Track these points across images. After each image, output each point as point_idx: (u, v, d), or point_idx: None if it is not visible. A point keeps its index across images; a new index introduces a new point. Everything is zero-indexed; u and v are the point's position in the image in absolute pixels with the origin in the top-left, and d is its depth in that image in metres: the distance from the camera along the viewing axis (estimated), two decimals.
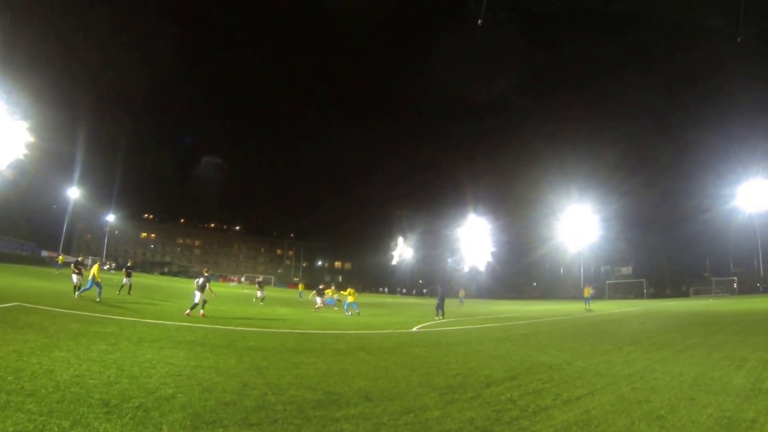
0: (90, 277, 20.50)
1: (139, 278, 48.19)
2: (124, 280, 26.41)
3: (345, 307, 25.73)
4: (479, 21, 8.52)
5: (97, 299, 19.88)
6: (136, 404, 5.75)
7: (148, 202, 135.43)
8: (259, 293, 33.69)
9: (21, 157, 60.15)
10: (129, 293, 25.48)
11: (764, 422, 5.94)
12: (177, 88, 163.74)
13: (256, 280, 33.76)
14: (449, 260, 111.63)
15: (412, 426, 5.61)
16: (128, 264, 28.38)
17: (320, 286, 28.97)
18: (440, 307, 25.67)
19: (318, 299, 28.64)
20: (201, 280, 19.11)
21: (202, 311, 18.46)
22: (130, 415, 5.35)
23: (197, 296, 18.56)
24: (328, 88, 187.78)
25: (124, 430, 4.84)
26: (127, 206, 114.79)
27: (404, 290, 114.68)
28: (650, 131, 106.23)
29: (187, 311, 18.22)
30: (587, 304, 39.14)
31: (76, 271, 21.84)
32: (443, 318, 25.00)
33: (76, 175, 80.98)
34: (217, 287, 59.97)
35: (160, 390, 6.51)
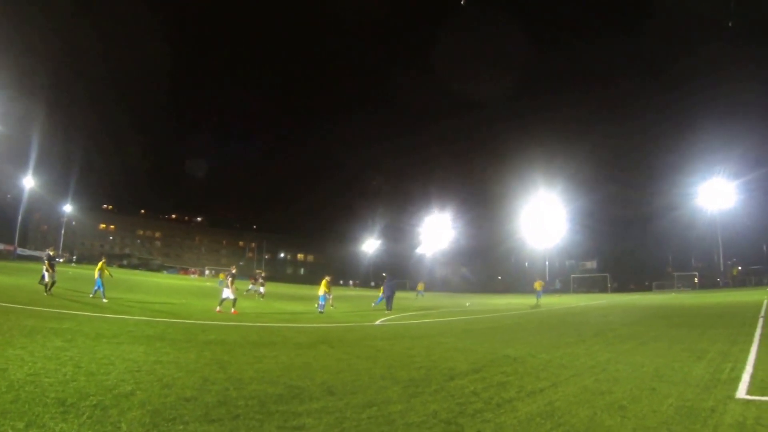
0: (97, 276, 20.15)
1: (91, 271, 47.31)
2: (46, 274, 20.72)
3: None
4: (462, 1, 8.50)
5: (103, 299, 19.50)
6: (94, 402, 5.60)
7: (107, 192, 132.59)
8: (261, 289, 34.15)
9: None
10: (49, 291, 19.91)
11: (723, 411, 6.09)
12: (138, 76, 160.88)
13: (260, 275, 32.89)
14: (416, 252, 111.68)
15: (376, 419, 5.61)
16: (49, 253, 21.68)
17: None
18: (390, 299, 25.63)
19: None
20: (226, 276, 20.37)
21: (233, 309, 19.07)
22: (87, 413, 5.20)
23: (225, 292, 19.37)
24: (294, 83, 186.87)
25: (81, 430, 4.70)
26: (86, 196, 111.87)
27: (358, 282, 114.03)
28: (617, 131, 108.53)
29: (218, 308, 19.28)
30: (538, 299, 39.24)
31: (49, 267, 20.15)
32: (389, 311, 24.94)
33: (32, 163, 78.69)
34: (177, 280, 59.55)
35: (119, 387, 6.36)
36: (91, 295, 19.91)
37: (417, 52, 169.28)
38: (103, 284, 20.07)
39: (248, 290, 36.07)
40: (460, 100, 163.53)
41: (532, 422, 5.68)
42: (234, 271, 20.63)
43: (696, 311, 24.82)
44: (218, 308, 19.47)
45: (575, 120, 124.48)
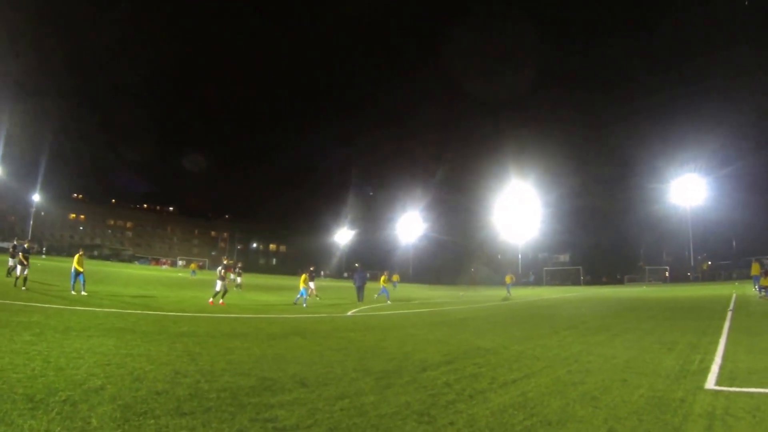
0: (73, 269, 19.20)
1: (65, 263, 46.61)
2: (18, 268, 20.19)
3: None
4: None
5: (83, 292, 18.75)
6: (63, 398, 5.52)
7: (77, 181, 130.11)
8: (238, 279, 33.79)
9: None
10: (24, 285, 19.17)
11: (692, 401, 6.25)
12: (107, 63, 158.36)
13: (238, 266, 32.59)
14: (389, 244, 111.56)
15: (348, 411, 5.63)
16: (24, 245, 21.04)
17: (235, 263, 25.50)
18: (361, 290, 25.65)
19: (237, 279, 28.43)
20: (220, 268, 20.18)
21: (222, 300, 19.16)
22: (56, 409, 5.12)
23: (218, 284, 19.42)
24: (269, 75, 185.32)
25: (50, 426, 4.62)
26: (55, 185, 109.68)
27: (328, 273, 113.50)
28: (591, 127, 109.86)
29: (210, 300, 19.30)
30: (508, 291, 39.38)
31: (23, 260, 19.32)
32: (363, 303, 24.91)
33: None
34: (148, 271, 58.93)
35: (89, 381, 6.28)
36: (72, 291, 18.75)
37: (387, 48, 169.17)
38: (84, 277, 19.18)
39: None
40: (435, 97, 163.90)
41: (504, 413, 5.75)
42: (226, 263, 20.58)
43: (666, 304, 25.38)
44: (211, 300, 19.50)
45: (550, 115, 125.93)
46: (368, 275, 27.49)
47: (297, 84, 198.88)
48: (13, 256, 24.99)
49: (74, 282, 19.06)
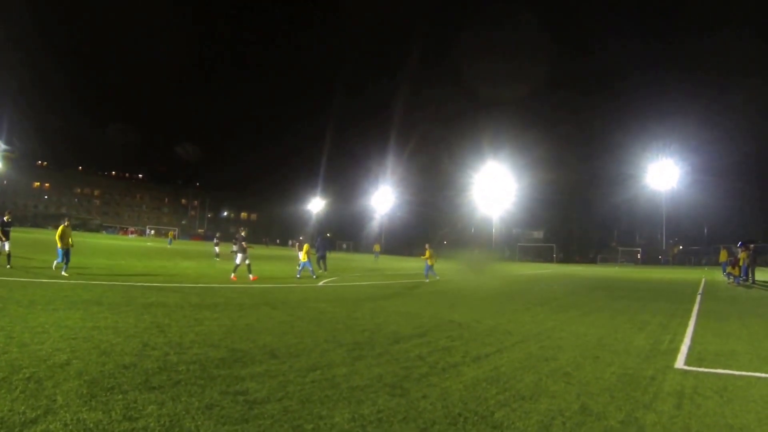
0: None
1: (30, 234, 45.75)
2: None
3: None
4: None
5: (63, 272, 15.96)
6: (27, 375, 5.36)
7: (41, 147, 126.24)
8: (216, 249, 34.67)
9: None
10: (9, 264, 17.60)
11: (662, 380, 6.42)
12: (71, 20, 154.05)
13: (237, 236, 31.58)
14: (364, 214, 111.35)
15: (320, 383, 5.61)
16: (4, 219, 18.82)
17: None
18: (323, 259, 25.35)
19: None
20: (238, 239, 19.77)
21: (233, 275, 18.84)
22: (20, 387, 4.95)
23: (238, 257, 19.05)
24: (244, 37, 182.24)
25: (14, 405, 4.46)
26: (17, 152, 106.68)
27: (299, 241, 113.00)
28: (569, 108, 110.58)
29: (232, 275, 18.74)
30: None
31: (2, 235, 17.51)
32: (326, 271, 24.67)
33: None
34: (116, 240, 58.18)
35: (54, 357, 6.13)
36: (63, 272, 15.90)
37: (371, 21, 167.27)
38: (67, 253, 16.33)
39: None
40: (414, 72, 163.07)
41: (477, 387, 5.79)
42: (243, 234, 20.12)
43: (638, 285, 26.11)
44: (233, 275, 18.89)
45: (528, 97, 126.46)
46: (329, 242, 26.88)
47: (273, 50, 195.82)
48: None
49: (61, 259, 16.29)
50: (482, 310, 13.06)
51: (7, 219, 17.99)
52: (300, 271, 21.60)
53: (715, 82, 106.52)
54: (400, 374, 6.19)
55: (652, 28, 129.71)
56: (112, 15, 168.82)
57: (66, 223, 16.92)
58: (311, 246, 23.06)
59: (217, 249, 34.27)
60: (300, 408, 4.75)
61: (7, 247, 17.47)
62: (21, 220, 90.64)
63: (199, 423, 4.24)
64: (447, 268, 30.84)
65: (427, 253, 23.82)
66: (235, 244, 19.60)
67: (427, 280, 22.49)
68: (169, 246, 54.17)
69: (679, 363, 7.45)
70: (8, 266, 16.37)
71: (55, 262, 16.78)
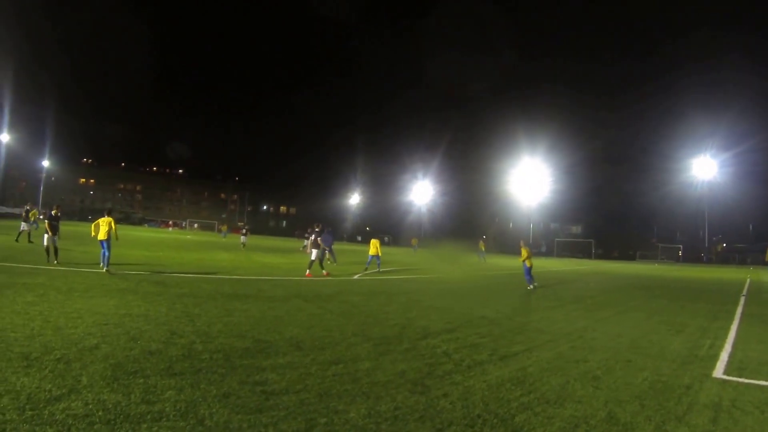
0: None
1: (76, 227, 46.92)
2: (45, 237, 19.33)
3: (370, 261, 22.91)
4: None
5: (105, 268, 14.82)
6: (58, 356, 5.58)
7: (86, 146, 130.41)
8: (242, 238, 36.79)
9: None
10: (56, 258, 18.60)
11: (698, 389, 6.05)
12: (116, 25, 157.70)
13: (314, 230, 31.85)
14: (403, 208, 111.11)
15: (341, 377, 5.61)
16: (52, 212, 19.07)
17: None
18: (329, 251, 25.42)
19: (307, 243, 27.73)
20: (313, 236, 19.60)
21: (324, 271, 18.91)
22: (50, 367, 5.18)
23: (313, 253, 18.85)
24: (282, 36, 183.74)
25: (42, 384, 4.68)
26: (64, 151, 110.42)
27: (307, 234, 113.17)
28: (609, 103, 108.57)
29: (307, 272, 18.26)
30: (482, 258, 39.89)
31: (49, 229, 16.56)
32: (335, 263, 24.95)
33: (6, 119, 76.91)
34: (157, 233, 59.23)
35: (85, 340, 6.34)
36: (104, 268, 14.74)
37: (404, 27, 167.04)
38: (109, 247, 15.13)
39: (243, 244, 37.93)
40: (449, 70, 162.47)
41: (501, 387, 5.67)
42: (317, 229, 19.99)
43: (677, 284, 25.20)
44: (308, 272, 18.50)
45: (566, 92, 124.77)
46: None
47: (309, 49, 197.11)
48: (25, 221, 25.27)
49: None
50: (514, 306, 12.95)
51: (55, 213, 17.54)
52: (369, 262, 22.54)
53: (761, 70, 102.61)
54: (424, 371, 6.13)
55: (698, 19, 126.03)
56: (150, 15, 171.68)
57: (107, 216, 15.71)
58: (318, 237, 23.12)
59: (243, 238, 35.92)
60: (317, 401, 4.76)
61: (54, 241, 16.53)
62: (69, 215, 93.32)
63: (214, 410, 4.30)
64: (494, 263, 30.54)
65: (524, 252, 18.54)
66: (307, 239, 19.71)
67: (530, 287, 17.79)
68: (223, 238, 55.38)
69: (718, 372, 7.00)
70: (55, 262, 15.81)
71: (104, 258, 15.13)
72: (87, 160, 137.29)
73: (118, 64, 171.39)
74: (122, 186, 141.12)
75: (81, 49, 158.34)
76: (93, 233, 15.44)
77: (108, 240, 15.01)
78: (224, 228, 69.85)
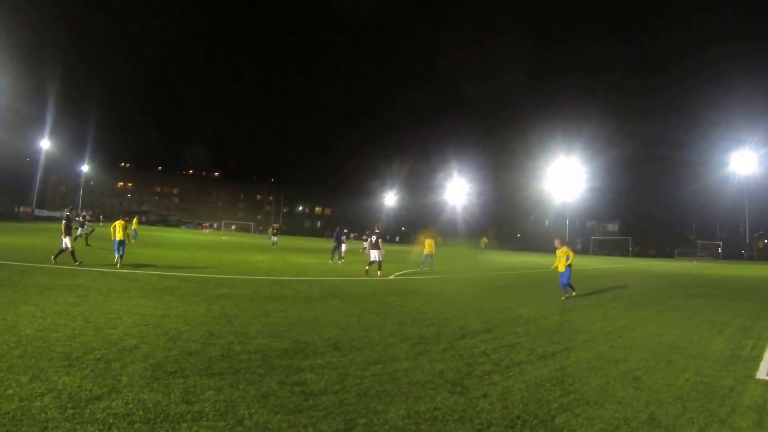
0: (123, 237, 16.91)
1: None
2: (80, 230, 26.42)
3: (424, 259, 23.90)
4: None
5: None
6: (98, 356, 5.65)
7: (123, 150, 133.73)
8: (274, 238, 38.53)
9: None
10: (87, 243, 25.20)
11: (742, 390, 5.87)
12: (152, 31, 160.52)
13: (275, 227, 31.96)
14: (437, 208, 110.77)
15: (379, 377, 5.55)
16: (83, 214, 24.77)
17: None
18: (337, 249, 25.93)
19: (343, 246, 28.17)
20: (373, 237, 20.03)
21: (379, 272, 18.94)
22: (90, 367, 5.25)
23: (373, 254, 19.44)
24: (314, 35, 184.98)
25: (83, 383, 4.73)
26: (102, 155, 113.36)
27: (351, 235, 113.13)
28: (645, 97, 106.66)
29: (366, 268, 19.23)
30: (481, 253, 40.14)
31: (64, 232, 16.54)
32: (341, 260, 25.38)
33: (48, 125, 79.07)
34: (193, 235, 60.03)
35: (124, 341, 6.41)
36: (118, 264, 16.26)
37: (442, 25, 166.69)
38: (121, 247, 16.72)
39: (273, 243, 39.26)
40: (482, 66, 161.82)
41: (541, 388, 5.56)
42: (378, 231, 20.38)
43: (718, 282, 24.44)
44: (367, 268, 19.42)
45: (601, 87, 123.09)
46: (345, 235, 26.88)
47: (341, 52, 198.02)
48: (81, 225, 26.98)
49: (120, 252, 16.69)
50: (551, 305, 12.72)
51: (74, 214, 17.50)
52: (423, 262, 23.10)
53: None
54: (463, 371, 6.04)
55: (739, 7, 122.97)
56: (186, 24, 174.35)
57: (122, 219, 17.38)
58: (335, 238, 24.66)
59: (274, 239, 36.22)
60: (356, 401, 4.71)
61: (67, 243, 16.38)
62: (110, 217, 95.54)
63: (253, 410, 4.28)
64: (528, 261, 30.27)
65: (564, 254, 14.65)
66: (365, 240, 19.93)
67: (565, 297, 14.45)
68: (271, 241, 53.48)
69: (762, 373, 6.77)
70: (76, 263, 15.75)
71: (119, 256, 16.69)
72: (125, 165, 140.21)
73: (155, 70, 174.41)
74: (159, 189, 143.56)
75: (119, 57, 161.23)
76: (113, 236, 16.95)
77: (124, 241, 16.82)
78: (270, 231, 68.92)
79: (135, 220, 32.38)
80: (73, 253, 16.31)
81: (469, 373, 5.96)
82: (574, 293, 14.79)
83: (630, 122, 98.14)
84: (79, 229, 26.30)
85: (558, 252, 14.85)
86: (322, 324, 8.60)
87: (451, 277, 20.79)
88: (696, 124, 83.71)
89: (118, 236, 16.77)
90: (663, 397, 5.45)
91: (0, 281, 11.12)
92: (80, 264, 15.65)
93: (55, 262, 15.69)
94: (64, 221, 16.97)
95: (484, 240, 41.96)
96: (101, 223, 63.01)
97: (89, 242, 25.76)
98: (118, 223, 16.96)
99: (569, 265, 14.53)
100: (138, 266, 16.35)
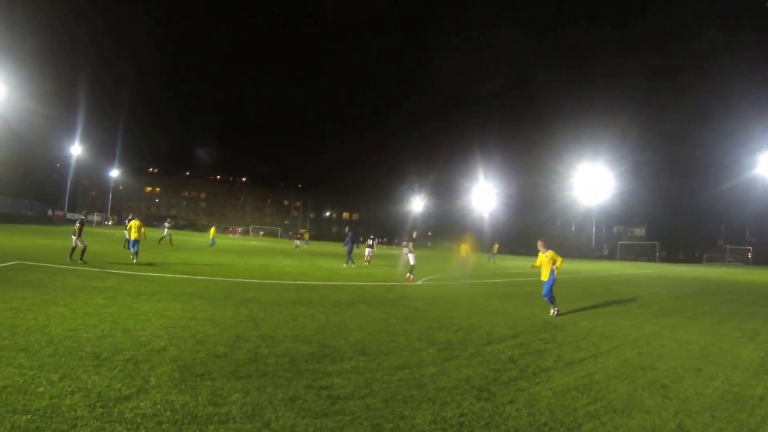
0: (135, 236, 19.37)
1: (150, 233, 48.49)
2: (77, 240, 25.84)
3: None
4: None
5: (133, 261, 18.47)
6: (127, 357, 5.73)
7: (152, 156, 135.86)
8: (297, 242, 38.80)
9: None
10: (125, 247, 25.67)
11: None
12: (178, 38, 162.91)
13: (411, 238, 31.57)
14: (463, 213, 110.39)
15: (406, 382, 5.54)
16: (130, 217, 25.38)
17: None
18: (350, 252, 25.88)
19: (367, 250, 28.69)
20: (411, 244, 20.55)
21: (409, 275, 19.38)
22: (119, 367, 5.33)
23: (411, 258, 19.90)
24: (340, 36, 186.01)
25: (112, 383, 4.81)
26: (131, 160, 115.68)
27: (384, 240, 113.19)
28: (671, 99, 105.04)
29: (408, 275, 19.37)
30: (492, 259, 41.11)
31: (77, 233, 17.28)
32: (353, 264, 25.45)
33: (78, 131, 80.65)
34: (221, 239, 60.54)
35: (153, 342, 6.49)
36: (134, 260, 18.49)
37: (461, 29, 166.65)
38: (136, 245, 19.17)
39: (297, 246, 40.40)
40: (503, 66, 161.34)
41: (567, 395, 5.49)
42: (415, 236, 20.92)
43: (748, 288, 23.86)
44: (409, 275, 19.54)
45: (627, 87, 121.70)
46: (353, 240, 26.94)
47: (368, 57, 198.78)
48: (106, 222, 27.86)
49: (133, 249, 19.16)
50: (578, 311, 12.55)
51: (87, 218, 18.70)
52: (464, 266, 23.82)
53: None
54: (489, 377, 6.00)
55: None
56: (212, 30, 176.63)
57: (132, 220, 19.97)
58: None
59: (298, 242, 36.64)
60: (383, 406, 4.70)
61: (78, 242, 17.09)
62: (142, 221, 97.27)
63: (280, 414, 4.29)
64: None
65: (547, 261, 12.21)
66: (405, 246, 20.25)
67: (554, 313, 11.93)
68: (304, 246, 52.49)
69: None
70: (80, 261, 16.74)
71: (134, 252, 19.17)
72: (153, 170, 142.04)
73: (183, 78, 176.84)
74: (187, 194, 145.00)
75: (147, 64, 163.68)
76: (128, 235, 19.98)
77: (138, 239, 19.33)
78: (306, 236, 67.11)
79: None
80: (83, 251, 17.09)
81: (495, 379, 5.92)
82: (556, 309, 11.97)
83: (657, 123, 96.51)
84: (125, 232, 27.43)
85: (542, 256, 12.33)
86: (349, 328, 8.60)
87: (478, 282, 20.64)
88: (723, 126, 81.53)
89: (133, 236, 19.38)
90: (691, 407, 5.36)
91: (32, 282, 11.32)
92: (83, 264, 16.13)
93: (71, 259, 16.70)
94: (78, 224, 17.68)
95: (496, 246, 43.31)
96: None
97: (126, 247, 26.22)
98: (133, 224, 19.53)
99: (553, 272, 12.06)
100: (163, 267, 16.57)
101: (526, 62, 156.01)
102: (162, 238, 33.59)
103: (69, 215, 77.54)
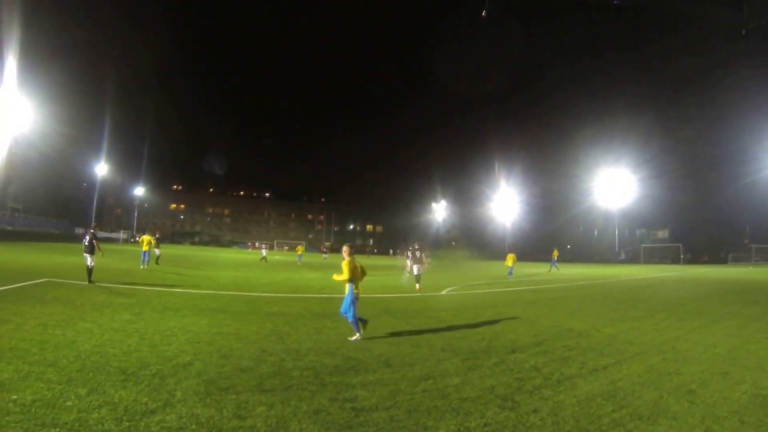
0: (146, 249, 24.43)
1: (168, 249, 48.97)
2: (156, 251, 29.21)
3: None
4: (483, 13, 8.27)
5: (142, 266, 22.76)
6: (153, 371, 5.82)
7: (176, 173, 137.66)
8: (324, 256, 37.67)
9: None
10: (156, 263, 27.84)
11: None
12: (200, 56, 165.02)
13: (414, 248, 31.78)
14: (486, 222, 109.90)
15: (430, 393, 5.53)
16: (156, 235, 30.19)
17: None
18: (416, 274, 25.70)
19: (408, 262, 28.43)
20: (417, 253, 21.12)
21: (418, 285, 19.60)
22: (146, 382, 5.41)
23: (415, 269, 20.49)
24: (359, 50, 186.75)
25: (138, 397, 4.90)
26: (156, 178, 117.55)
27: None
28: (690, 94, 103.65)
29: (418, 286, 19.52)
30: (554, 267, 40.26)
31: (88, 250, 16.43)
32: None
33: (104, 150, 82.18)
34: (245, 255, 60.95)
35: (178, 357, 6.57)
36: (144, 267, 23.80)
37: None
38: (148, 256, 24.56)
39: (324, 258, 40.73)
40: (521, 71, 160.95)
41: (592, 402, 5.43)
42: (417, 247, 21.22)
43: None
44: (418, 285, 19.68)
45: (646, 85, 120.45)
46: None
47: (385, 67, 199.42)
48: (157, 247, 29.38)
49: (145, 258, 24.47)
50: (602, 317, 12.39)
51: (158, 235, 21.90)
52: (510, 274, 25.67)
53: None
54: (513, 386, 5.96)
55: None
56: (238, 43, 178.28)
57: (148, 236, 26.62)
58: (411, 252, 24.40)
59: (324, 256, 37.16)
60: (406, 417, 4.70)
61: (89, 261, 16.14)
62: (162, 238, 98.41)
63: (304, 426, 4.31)
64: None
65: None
66: (408, 258, 20.37)
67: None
68: (324, 259, 52.97)
69: None
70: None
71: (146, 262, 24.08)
72: (177, 187, 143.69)
73: (205, 96, 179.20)
74: (211, 210, 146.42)
75: (171, 84, 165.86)
76: (141, 247, 25.58)
77: (149, 251, 24.78)
78: (327, 247, 66.89)
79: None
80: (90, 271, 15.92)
81: (519, 388, 5.87)
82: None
83: (678, 123, 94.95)
84: (156, 251, 29.47)
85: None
86: (373, 340, 8.62)
87: (500, 290, 20.53)
88: (743, 120, 79.58)
89: (144, 248, 25.04)
90: (719, 412, 5.25)
91: (60, 299, 11.55)
92: (92, 283, 15.38)
93: (91, 282, 15.45)
94: (88, 239, 16.66)
95: (556, 252, 41.69)
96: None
97: (158, 262, 28.10)
98: (144, 238, 25.94)
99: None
100: (188, 283, 16.74)
101: (552, 74, 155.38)
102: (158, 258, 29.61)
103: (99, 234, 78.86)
